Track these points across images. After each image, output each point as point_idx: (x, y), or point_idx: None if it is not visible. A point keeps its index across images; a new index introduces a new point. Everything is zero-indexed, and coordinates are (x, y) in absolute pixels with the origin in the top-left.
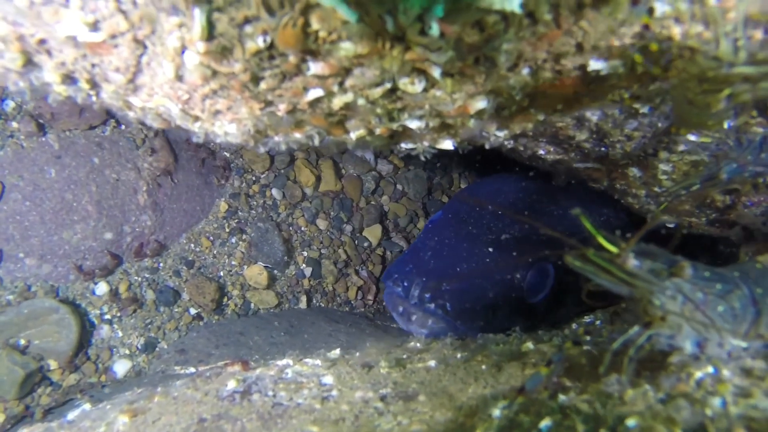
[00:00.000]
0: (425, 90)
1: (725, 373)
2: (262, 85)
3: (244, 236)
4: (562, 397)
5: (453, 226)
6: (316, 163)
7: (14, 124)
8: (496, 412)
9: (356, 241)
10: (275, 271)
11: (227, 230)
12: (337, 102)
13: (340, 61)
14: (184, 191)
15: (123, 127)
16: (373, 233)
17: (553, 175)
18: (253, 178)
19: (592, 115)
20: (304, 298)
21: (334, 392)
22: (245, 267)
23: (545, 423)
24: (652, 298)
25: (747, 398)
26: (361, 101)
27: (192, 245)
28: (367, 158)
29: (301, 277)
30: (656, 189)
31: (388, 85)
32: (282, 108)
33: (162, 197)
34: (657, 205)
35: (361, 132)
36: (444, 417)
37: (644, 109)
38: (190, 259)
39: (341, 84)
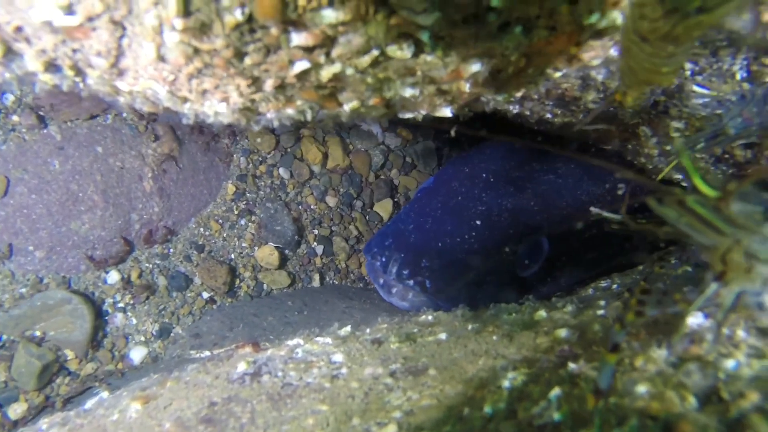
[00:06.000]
0: (415, 55)
1: (740, 333)
2: (247, 61)
3: (253, 217)
4: (571, 366)
5: (441, 196)
6: (323, 140)
7: (15, 118)
8: (506, 383)
9: (367, 217)
10: (286, 251)
11: (236, 212)
12: (326, 73)
13: (323, 30)
14: (190, 175)
15: (125, 114)
16: (383, 208)
17: (563, 140)
18: (260, 159)
19: (597, 74)
20: (317, 277)
21: (344, 370)
22: (256, 248)
23: (554, 393)
24: (747, 247)
25: (762, 359)
26: (350, 71)
27: (201, 229)
28: (374, 132)
29: (312, 255)
30: (669, 147)
31: (376, 53)
32: (270, 83)
33: (168, 183)
34: (668, 164)
35: (355, 104)
36: (454, 390)
37: None
38: (200, 243)
39: (328, 54)
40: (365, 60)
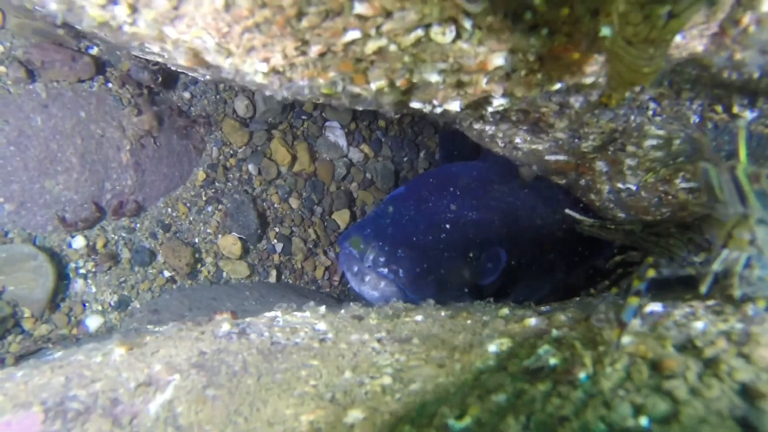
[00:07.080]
0: (453, 41)
1: (700, 311)
2: (304, 23)
3: (220, 206)
4: (555, 332)
5: (414, 201)
6: (292, 144)
7: (2, 69)
8: (492, 348)
9: (325, 223)
10: (248, 243)
11: (204, 198)
12: (371, 46)
13: (385, 2)
14: (165, 155)
15: (110, 85)
16: (341, 217)
17: (522, 168)
18: (231, 152)
19: (575, 102)
20: (274, 273)
21: (330, 335)
22: (220, 236)
23: (544, 348)
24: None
25: (725, 322)
26: (393, 47)
27: (169, 209)
28: (340, 144)
29: (272, 251)
30: (619, 185)
31: (421, 33)
32: (316, 49)
33: (144, 158)
34: (618, 202)
35: (382, 83)
36: (440, 354)
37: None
38: (167, 222)
39: (379, 27)
40: (410, 38)
